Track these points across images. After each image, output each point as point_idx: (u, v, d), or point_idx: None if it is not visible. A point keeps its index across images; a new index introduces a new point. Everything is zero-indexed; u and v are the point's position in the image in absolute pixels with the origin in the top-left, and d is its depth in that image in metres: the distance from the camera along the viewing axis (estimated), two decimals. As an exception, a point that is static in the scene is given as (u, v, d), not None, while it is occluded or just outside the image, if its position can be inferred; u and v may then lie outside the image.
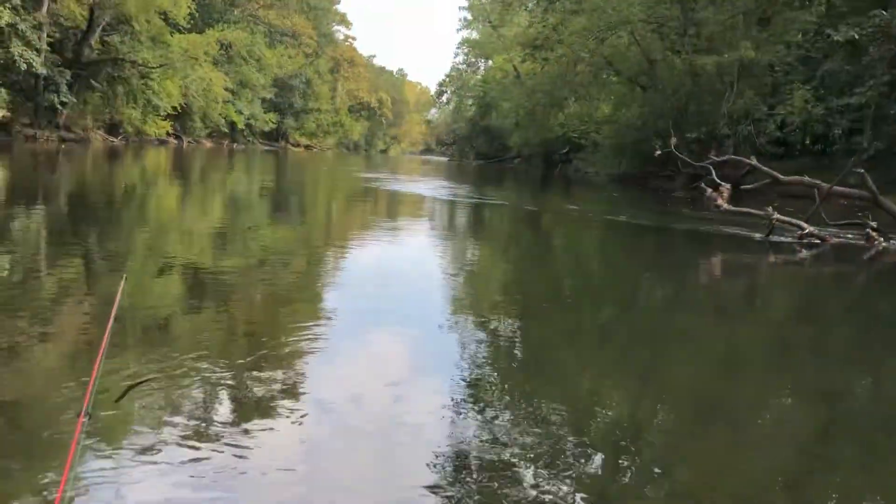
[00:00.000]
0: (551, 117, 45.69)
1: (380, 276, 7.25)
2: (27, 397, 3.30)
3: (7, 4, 27.56)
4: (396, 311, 5.59)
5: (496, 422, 3.35)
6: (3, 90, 27.66)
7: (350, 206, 16.98)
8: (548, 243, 12.75)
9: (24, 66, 29.44)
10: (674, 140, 17.30)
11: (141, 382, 3.32)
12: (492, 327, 5.41)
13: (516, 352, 4.89)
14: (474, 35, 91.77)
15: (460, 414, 3.43)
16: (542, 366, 4.57)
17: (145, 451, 2.73)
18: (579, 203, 22.18)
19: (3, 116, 27.40)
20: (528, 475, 2.80)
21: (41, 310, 4.72)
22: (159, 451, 2.74)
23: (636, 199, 22.81)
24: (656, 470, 3.04)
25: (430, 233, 12.44)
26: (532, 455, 2.98)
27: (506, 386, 4.01)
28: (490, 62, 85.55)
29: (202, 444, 2.82)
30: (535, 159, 58.36)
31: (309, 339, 4.47)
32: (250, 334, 4.57)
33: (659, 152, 17.37)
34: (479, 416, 3.40)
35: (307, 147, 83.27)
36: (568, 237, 13.62)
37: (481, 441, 3.08)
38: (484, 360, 4.47)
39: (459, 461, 2.90)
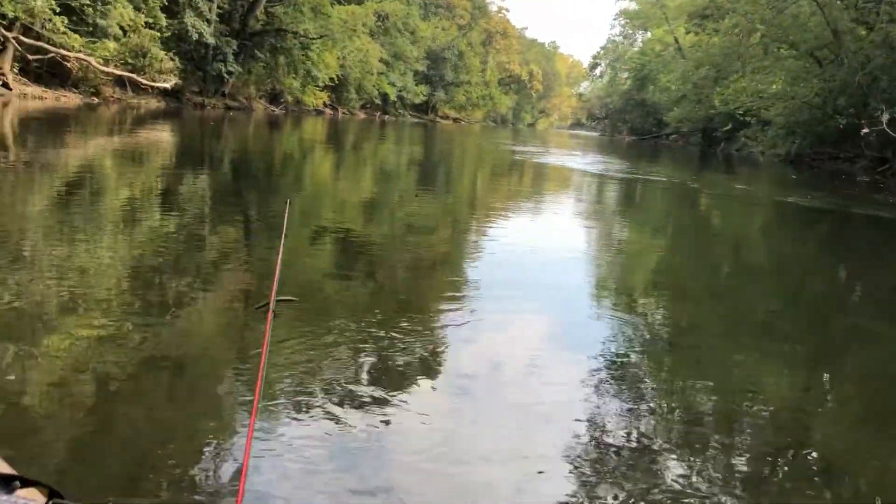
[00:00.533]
0: (715, 92, 42.98)
1: (526, 249, 6.94)
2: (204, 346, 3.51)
3: (182, -23, 28.79)
4: (541, 285, 5.38)
5: (640, 408, 3.15)
6: (176, 59, 28.99)
7: (498, 179, 16.38)
8: (708, 223, 11.65)
9: (195, 36, 30.83)
10: (886, 116, 15.36)
11: (288, 300, 3.74)
12: (641, 308, 5.13)
13: (666, 336, 4.52)
14: (633, 6, 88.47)
15: (602, 397, 3.24)
16: (694, 353, 4.22)
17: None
18: (746, 183, 20.53)
19: (175, 84, 28.77)
20: (672, 468, 2.59)
21: (206, 264, 5.06)
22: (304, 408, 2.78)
23: (812, 181, 20.73)
24: (816, 476, 2.72)
25: (581, 208, 11.71)
26: (678, 448, 2.78)
27: (653, 372, 3.76)
28: (649, 34, 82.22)
29: (340, 409, 2.79)
30: (694, 136, 55.44)
31: (451, 309, 4.44)
32: (394, 299, 4.63)
33: (866, 130, 15.48)
34: (621, 401, 3.18)
35: (455, 120, 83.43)
36: (732, 218, 12.40)
37: (623, 428, 2.91)
38: (630, 343, 4.18)
39: (598, 447, 2.73)
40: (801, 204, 13.92)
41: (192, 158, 13.36)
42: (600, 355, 3.79)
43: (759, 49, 30.68)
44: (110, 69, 24.93)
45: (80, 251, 4.89)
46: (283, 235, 4.59)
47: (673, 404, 3.27)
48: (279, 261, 4.10)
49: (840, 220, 12.25)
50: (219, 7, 34.10)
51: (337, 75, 45.63)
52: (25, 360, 2.87)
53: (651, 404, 3.23)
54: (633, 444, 2.76)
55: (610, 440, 2.77)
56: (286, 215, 5.20)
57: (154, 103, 30.08)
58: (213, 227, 6.48)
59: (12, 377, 2.70)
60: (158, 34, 26.82)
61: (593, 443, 2.74)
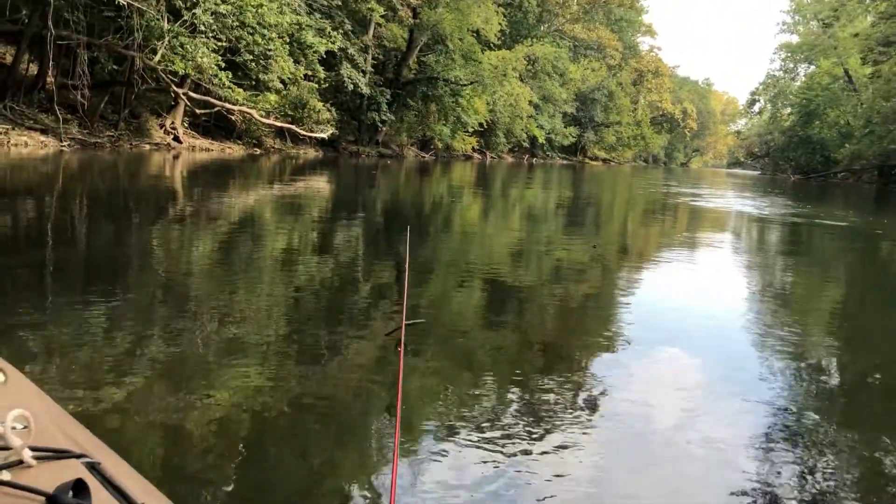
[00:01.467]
0: (891, 125, 39.32)
1: (678, 297, 6.59)
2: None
3: (339, 31, 29.64)
4: (694, 334, 5.07)
5: (802, 468, 2.86)
6: (332, 110, 29.80)
7: (650, 224, 15.07)
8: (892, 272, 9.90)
9: (351, 87, 31.63)
10: None
11: (417, 322, 3.85)
12: (806, 360, 4.60)
13: (838, 392, 4.06)
14: (794, 38, 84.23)
15: (759, 451, 2.99)
16: (869, 410, 3.78)
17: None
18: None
19: (331, 134, 29.54)
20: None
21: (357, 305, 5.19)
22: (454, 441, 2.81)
23: None
24: None
25: (742, 254, 10.51)
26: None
27: (821, 430, 3.35)
28: (813, 67, 77.78)
29: (490, 446, 2.80)
30: (868, 174, 51.06)
31: (600, 354, 4.34)
32: (542, 346, 4.49)
33: None
34: (783, 456, 2.93)
35: (605, 161, 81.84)
36: None
37: (785, 485, 2.67)
38: (796, 396, 3.83)
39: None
40: None
41: (346, 205, 13.45)
42: (757, 405, 3.53)
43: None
44: (271, 121, 25.88)
45: (241, 296, 5.03)
46: (406, 263, 4.76)
47: (844, 467, 2.92)
48: (406, 287, 4.14)
49: None
50: (373, 58, 34.99)
51: (486, 120, 45.73)
52: (187, 401, 2.99)
53: (816, 465, 2.92)
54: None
55: (762, 493, 2.58)
56: (407, 252, 5.46)
57: (312, 153, 31.08)
58: (366, 272, 6.59)
59: (175, 417, 2.82)
60: (316, 86, 27.65)
61: (741, 496, 2.56)
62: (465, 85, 39.10)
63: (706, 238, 12.25)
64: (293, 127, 26.92)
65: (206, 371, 3.40)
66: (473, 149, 48.66)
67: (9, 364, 1.47)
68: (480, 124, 44.88)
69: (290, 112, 26.84)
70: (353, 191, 18.14)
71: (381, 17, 33.24)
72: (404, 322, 3.74)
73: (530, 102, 51.71)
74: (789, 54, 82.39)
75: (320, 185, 18.01)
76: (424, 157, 41.00)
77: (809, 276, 8.83)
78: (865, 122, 48.19)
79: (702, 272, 8.35)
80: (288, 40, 24.80)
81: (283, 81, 25.27)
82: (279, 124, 26.43)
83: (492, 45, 42.76)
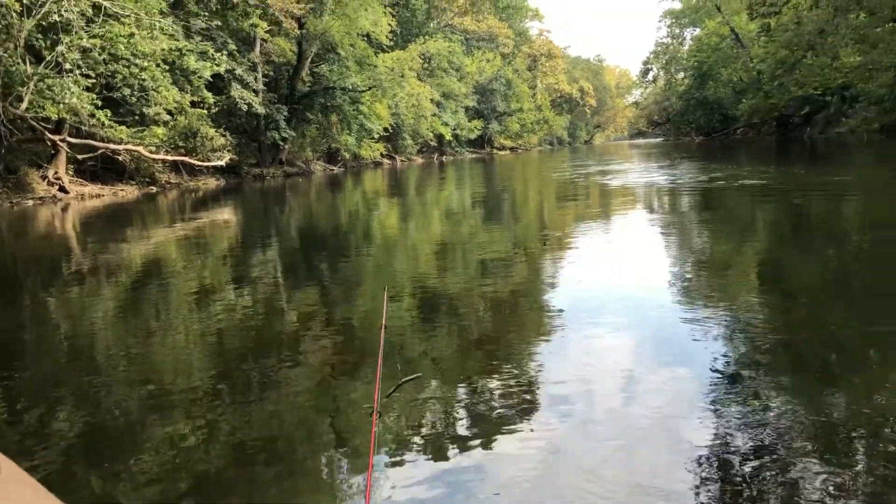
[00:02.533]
0: (785, 76, 40.23)
1: (605, 277, 6.52)
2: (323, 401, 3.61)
3: (223, 52, 28.14)
4: (626, 311, 5.03)
5: (746, 426, 2.88)
6: (227, 135, 28.27)
7: (565, 208, 14.55)
8: (816, 227, 9.39)
9: (244, 108, 30.11)
10: None
11: (409, 380, 3.57)
12: (734, 322, 4.58)
13: (767, 350, 4.01)
14: (678, 5, 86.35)
15: (703, 415, 3.03)
16: (801, 363, 3.83)
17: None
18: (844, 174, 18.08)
19: (230, 160, 28.01)
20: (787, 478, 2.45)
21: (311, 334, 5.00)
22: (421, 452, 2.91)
23: None
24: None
25: (658, 227, 10.08)
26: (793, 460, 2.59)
27: (764, 387, 3.38)
28: (698, 30, 79.81)
29: (454, 446, 2.92)
30: (767, 126, 52.51)
31: (541, 341, 4.45)
32: (485, 340, 4.55)
33: None
34: (727, 419, 2.98)
35: (512, 149, 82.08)
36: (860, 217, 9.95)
37: (729, 448, 2.71)
38: (728, 359, 3.85)
39: (704, 466, 2.60)
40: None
41: (257, 233, 12.59)
42: (698, 369, 3.65)
43: (827, 20, 27.78)
44: (161, 156, 24.19)
45: (155, 349, 4.75)
46: (382, 326, 4.11)
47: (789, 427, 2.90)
48: (381, 352, 3.67)
49: None
50: (264, 76, 33.51)
51: (390, 124, 44.76)
52: (117, 467, 2.85)
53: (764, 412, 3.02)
54: (745, 456, 2.62)
55: (716, 465, 2.60)
56: (385, 302, 4.88)
57: (213, 182, 29.43)
58: (289, 302, 6.26)
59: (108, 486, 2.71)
60: (206, 112, 26.09)
61: (698, 458, 2.64)
62: (363, 91, 37.94)
63: (623, 216, 11.85)
64: (187, 159, 25.28)
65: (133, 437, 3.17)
66: (382, 154, 47.58)
67: (3, 456, 1.20)
68: (385, 129, 43.85)
69: (181, 143, 25.16)
70: (262, 216, 17.00)
71: (266, 32, 31.78)
72: (384, 391, 3.44)
73: (432, 100, 50.95)
74: (674, 20, 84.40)
75: (225, 216, 16.71)
76: (333, 169, 39.69)
77: (728, 240, 8.52)
78: (757, 77, 49.46)
79: (624, 250, 8.18)
80: (168, 68, 23.23)
81: (169, 112, 23.67)
82: (171, 158, 24.76)
83: (384, 47, 41.77)
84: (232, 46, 29.84)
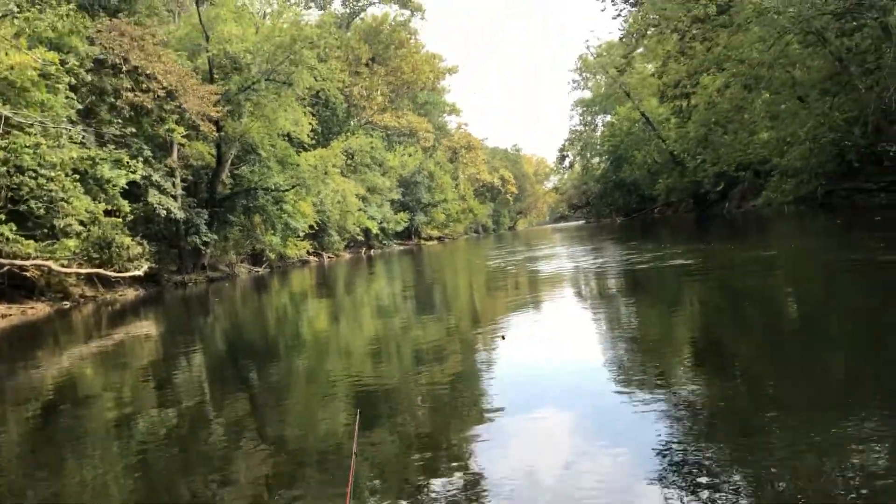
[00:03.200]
0: (705, 154, 41.79)
1: (539, 361, 6.58)
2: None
3: (139, 159, 27.36)
4: (562, 391, 5.28)
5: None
6: (145, 243, 27.15)
7: (495, 296, 14.41)
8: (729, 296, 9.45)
9: (163, 214, 29.14)
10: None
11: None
12: (671, 398, 4.70)
13: (706, 423, 4.17)
14: (587, 94, 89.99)
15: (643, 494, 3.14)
16: (733, 435, 3.92)
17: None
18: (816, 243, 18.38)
19: (148, 268, 26.81)
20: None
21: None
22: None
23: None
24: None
25: (589, 310, 10.16)
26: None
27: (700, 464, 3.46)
28: (608, 117, 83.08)
29: None
30: (684, 204, 54.21)
31: (484, 437, 4.36)
32: (423, 440, 4.43)
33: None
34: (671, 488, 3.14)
35: (439, 238, 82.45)
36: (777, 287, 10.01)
37: None
38: (664, 437, 3.86)
39: None
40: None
41: (180, 345, 11.62)
42: (639, 448, 3.69)
43: (737, 99, 29.01)
44: (73, 269, 22.88)
45: (68, 482, 4.36)
46: (353, 454, 3.94)
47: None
48: (352, 472, 3.60)
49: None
50: (183, 180, 32.70)
51: (316, 221, 44.24)
52: None
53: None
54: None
55: None
56: (356, 426, 4.58)
57: (131, 293, 28.04)
58: (217, 417, 5.84)
59: None
60: (120, 220, 25.05)
61: None
62: (286, 190, 37.43)
63: (556, 302, 11.70)
64: (101, 271, 23.97)
65: None
66: (308, 252, 46.82)
67: None
68: (311, 226, 43.29)
69: (95, 255, 23.93)
70: (184, 326, 15.99)
71: (183, 137, 31.18)
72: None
73: (357, 195, 50.80)
74: (585, 108, 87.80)
75: (144, 329, 15.66)
76: (258, 271, 38.63)
77: (663, 320, 8.52)
78: (672, 157, 51.31)
79: (559, 336, 8.11)
80: (79, 177, 22.29)
81: (82, 223, 22.58)
82: (84, 271, 23.45)
83: (306, 145, 41.64)
84: (148, 152, 29.10)
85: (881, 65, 20.48)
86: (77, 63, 22.72)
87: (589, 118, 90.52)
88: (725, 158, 29.35)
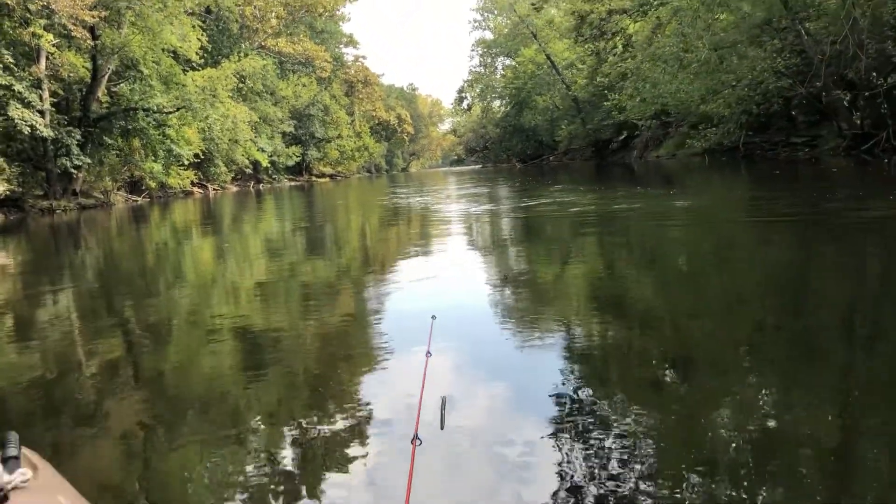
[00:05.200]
0: (605, 103, 41.24)
1: (431, 304, 5.99)
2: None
3: (-3, 64, 23.90)
4: (453, 328, 4.92)
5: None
6: (1, 161, 23.88)
7: (387, 235, 13.66)
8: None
9: (27, 131, 25.75)
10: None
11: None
12: (573, 345, 4.47)
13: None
14: (488, 35, 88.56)
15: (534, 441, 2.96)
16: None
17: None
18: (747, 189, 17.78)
19: (9, 190, 23.65)
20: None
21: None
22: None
23: (821, 176, 18.09)
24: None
25: (482, 254, 9.58)
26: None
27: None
28: (508, 60, 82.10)
29: None
30: (585, 152, 54.04)
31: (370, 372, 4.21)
32: (312, 376, 4.26)
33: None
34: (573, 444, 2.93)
35: (331, 176, 79.81)
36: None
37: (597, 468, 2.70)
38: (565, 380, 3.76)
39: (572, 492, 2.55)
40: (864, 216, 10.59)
41: (42, 281, 9.66)
42: (533, 391, 3.65)
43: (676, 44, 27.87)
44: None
45: None
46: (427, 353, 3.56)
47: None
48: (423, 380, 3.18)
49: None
50: (52, 95, 29.09)
51: (202, 150, 40.99)
52: None
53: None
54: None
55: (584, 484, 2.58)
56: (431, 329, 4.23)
57: (-12, 218, 24.86)
58: (88, 356, 5.21)
59: None
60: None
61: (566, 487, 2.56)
62: (170, 112, 34.06)
63: (449, 243, 11.04)
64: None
65: None
66: (193, 183, 43.63)
67: (39, 457, 1.40)
68: (196, 155, 40.07)
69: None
70: (49, 258, 13.75)
71: (54, 46, 27.55)
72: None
73: (249, 122, 47.42)
74: (486, 49, 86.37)
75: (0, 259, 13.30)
76: (137, 200, 35.45)
77: (558, 263, 8.28)
78: (575, 104, 50.74)
79: (451, 275, 7.76)
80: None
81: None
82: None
83: (194, 64, 38.20)
84: (9, 59, 25.55)
85: (826, 9, 20.05)
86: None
87: (489, 60, 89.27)
88: (650, 102, 28.55)
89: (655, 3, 24.95)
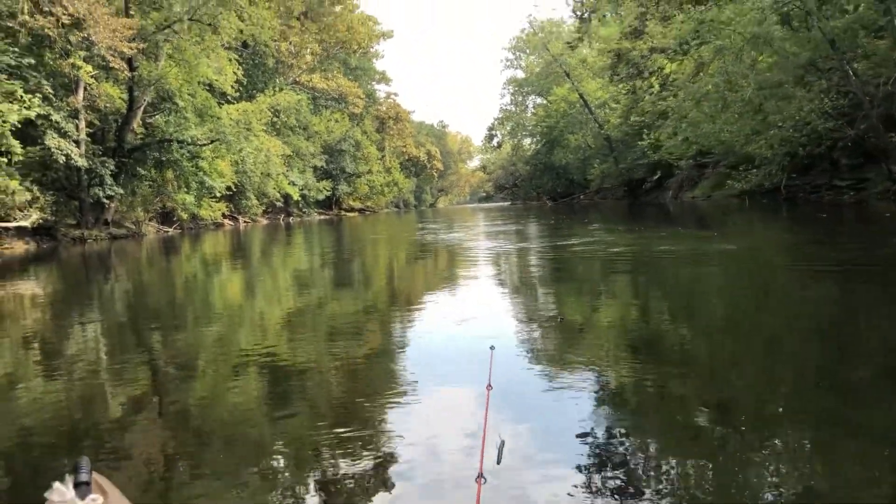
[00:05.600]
0: (640, 142, 40.75)
1: (457, 340, 6.02)
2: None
3: (36, 95, 24.03)
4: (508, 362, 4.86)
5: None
6: (35, 189, 23.91)
7: (415, 271, 13.44)
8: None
9: (62, 160, 25.85)
10: None
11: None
12: (604, 386, 4.36)
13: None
14: (519, 74, 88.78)
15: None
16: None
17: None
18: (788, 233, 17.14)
19: (41, 219, 23.62)
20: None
21: None
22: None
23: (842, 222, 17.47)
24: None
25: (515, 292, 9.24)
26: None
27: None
28: (539, 99, 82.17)
29: None
30: (617, 191, 53.44)
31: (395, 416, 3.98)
32: (338, 410, 4.18)
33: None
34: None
35: (360, 211, 79.87)
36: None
37: None
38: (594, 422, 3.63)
39: None
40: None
41: (72, 310, 9.52)
42: (561, 431, 3.54)
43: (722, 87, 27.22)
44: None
45: None
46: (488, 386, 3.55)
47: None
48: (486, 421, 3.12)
49: None
50: (89, 125, 29.29)
51: (234, 182, 41.11)
52: None
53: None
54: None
55: None
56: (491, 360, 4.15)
57: (20, 247, 24.85)
58: (114, 392, 4.94)
59: None
60: (5, 160, 21.80)
61: None
62: (204, 145, 34.18)
63: (481, 280, 10.67)
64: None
65: None
66: (224, 215, 43.72)
67: (109, 482, 1.43)
68: (228, 188, 40.16)
69: (-28, 199, 20.72)
70: (80, 287, 13.52)
71: (92, 77, 27.79)
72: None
73: (283, 155, 47.52)
74: (518, 88, 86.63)
75: (30, 288, 13.11)
76: (168, 231, 35.49)
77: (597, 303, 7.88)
78: (607, 143, 50.32)
79: (479, 313, 7.43)
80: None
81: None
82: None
83: (230, 97, 38.47)
84: (48, 89, 25.72)
85: (875, 49, 19.53)
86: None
87: (520, 98, 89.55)
88: (692, 141, 27.91)
89: (696, 42, 24.53)
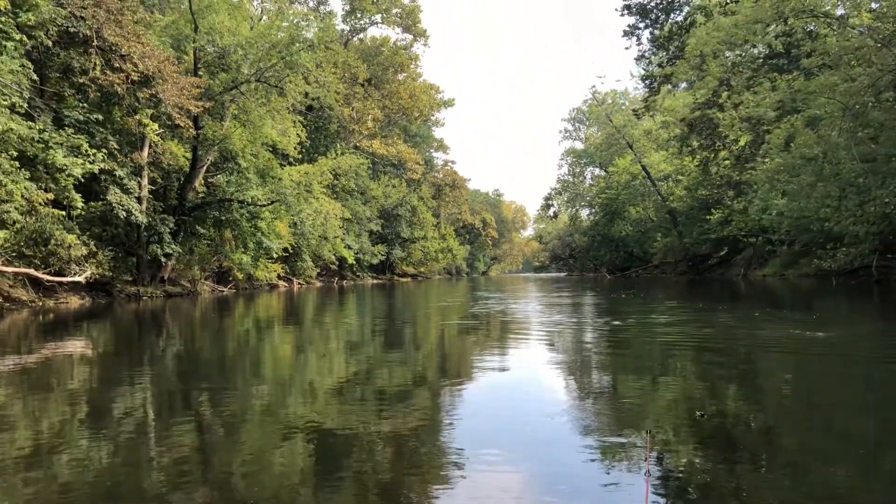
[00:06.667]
0: (709, 216, 39.21)
1: (509, 414, 5.94)
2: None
3: (103, 150, 23.92)
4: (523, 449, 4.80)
5: None
6: (92, 244, 23.54)
7: (466, 340, 12.29)
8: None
9: (122, 215, 25.59)
10: None
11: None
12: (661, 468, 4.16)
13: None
14: (578, 144, 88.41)
15: None
16: None
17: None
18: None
19: (97, 274, 23.17)
20: None
21: None
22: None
23: None
24: None
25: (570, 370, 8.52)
26: None
27: None
28: (597, 171, 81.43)
29: None
30: (679, 265, 51.63)
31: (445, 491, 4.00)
32: (386, 485, 4.13)
33: None
34: None
35: (413, 276, 79.25)
36: None
37: None
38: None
39: None
40: None
41: (122, 369, 9.00)
42: None
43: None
44: None
45: None
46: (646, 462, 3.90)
47: None
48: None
49: None
50: (150, 182, 29.20)
51: (290, 244, 40.72)
52: None
53: None
54: None
55: None
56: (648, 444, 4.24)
57: (75, 301, 24.37)
58: (160, 454, 4.89)
59: None
60: (63, 213, 21.46)
61: None
62: (264, 205, 33.91)
63: (535, 354, 10.03)
64: (31, 271, 20.20)
65: None
66: (279, 276, 43.28)
67: None
68: (285, 249, 39.76)
69: (27, 252, 20.26)
70: (132, 344, 12.71)
71: (157, 134, 27.77)
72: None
73: (341, 218, 47.27)
74: (576, 159, 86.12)
75: (80, 346, 12.28)
76: (223, 291, 34.99)
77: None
78: (671, 216, 48.84)
79: (532, 388, 7.38)
80: (23, 160, 18.82)
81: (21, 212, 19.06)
82: (10, 269, 19.69)
83: (291, 159, 38.36)
84: (114, 145, 25.69)
85: None
86: (33, 19, 19.35)
87: (578, 169, 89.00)
88: (787, 216, 26.26)
89: (781, 111, 23.33)
